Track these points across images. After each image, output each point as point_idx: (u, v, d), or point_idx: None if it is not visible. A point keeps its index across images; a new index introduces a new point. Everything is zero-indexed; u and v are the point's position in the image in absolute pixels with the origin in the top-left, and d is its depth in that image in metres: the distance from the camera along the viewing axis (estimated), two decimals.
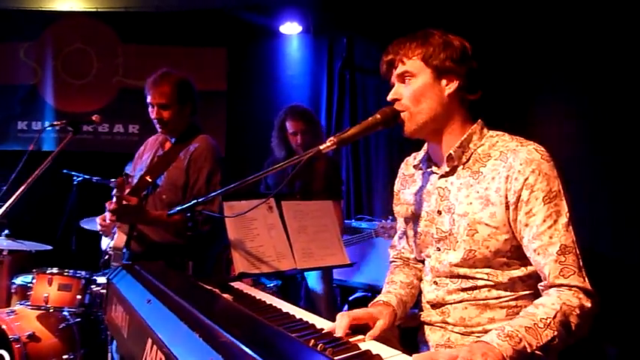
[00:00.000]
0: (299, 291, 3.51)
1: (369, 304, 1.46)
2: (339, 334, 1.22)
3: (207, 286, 1.61)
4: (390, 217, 3.59)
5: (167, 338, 1.07)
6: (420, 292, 1.57)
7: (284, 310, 1.46)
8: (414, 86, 1.39)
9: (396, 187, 1.67)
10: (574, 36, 3.15)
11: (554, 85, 3.33)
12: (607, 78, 2.94)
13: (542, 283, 1.28)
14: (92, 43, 5.03)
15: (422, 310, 1.53)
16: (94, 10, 5.02)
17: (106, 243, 2.63)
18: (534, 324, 1.14)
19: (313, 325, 1.29)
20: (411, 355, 1.06)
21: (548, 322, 1.14)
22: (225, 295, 1.55)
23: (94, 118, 2.55)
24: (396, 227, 1.73)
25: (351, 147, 4.68)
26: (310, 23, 4.87)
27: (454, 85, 1.39)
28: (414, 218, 1.54)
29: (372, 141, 4.59)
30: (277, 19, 4.92)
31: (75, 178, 4.13)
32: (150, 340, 1.17)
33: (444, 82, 1.39)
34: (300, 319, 1.36)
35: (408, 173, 1.63)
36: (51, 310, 3.15)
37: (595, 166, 2.96)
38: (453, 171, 1.43)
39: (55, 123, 2.59)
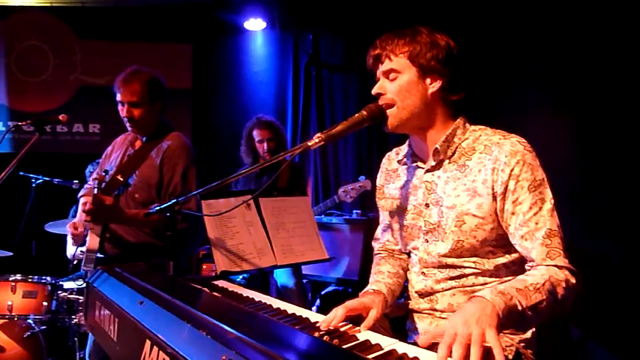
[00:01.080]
0: (267, 283, 3.54)
1: (360, 294, 1.49)
2: (334, 324, 1.23)
3: (196, 286, 1.59)
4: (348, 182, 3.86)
5: (170, 338, 1.06)
6: (407, 282, 1.61)
7: (275, 306, 1.47)
8: (399, 83, 1.42)
9: (378, 182, 1.71)
10: (545, 28, 3.22)
11: (524, 77, 3.40)
12: (577, 70, 3.02)
13: (530, 264, 1.35)
14: (48, 40, 4.84)
15: (409, 300, 1.57)
16: (49, 5, 4.81)
17: (70, 249, 2.55)
18: (525, 287, 1.19)
19: (308, 319, 1.31)
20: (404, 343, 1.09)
21: (537, 286, 1.20)
22: (215, 294, 1.54)
23: (60, 117, 2.46)
24: (379, 220, 1.76)
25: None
26: (275, 19, 4.85)
27: (437, 84, 1.43)
28: (399, 212, 1.57)
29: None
30: (242, 15, 4.88)
31: (33, 180, 3.97)
32: (148, 342, 1.15)
33: (428, 80, 1.43)
34: (294, 314, 1.37)
35: (392, 168, 1.66)
36: (15, 319, 3.03)
37: (567, 158, 3.04)
38: (439, 165, 1.47)
39: (19, 123, 2.48)
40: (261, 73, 5.04)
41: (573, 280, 1.28)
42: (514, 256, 1.42)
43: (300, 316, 1.33)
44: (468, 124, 1.50)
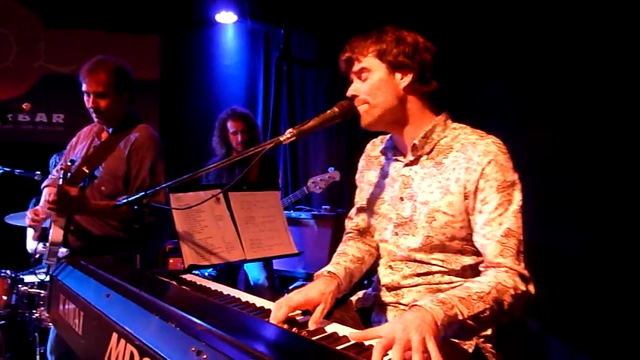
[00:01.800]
0: (236, 277, 3.55)
1: (315, 275, 1.47)
2: (274, 322, 1.21)
3: (164, 279, 1.59)
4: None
5: (138, 331, 1.06)
6: (375, 274, 1.63)
7: (243, 299, 1.48)
8: (371, 81, 1.46)
9: (360, 164, 1.73)
10: (515, 22, 3.23)
11: (495, 72, 3.44)
12: (544, 67, 3.05)
13: (482, 264, 1.38)
14: (10, 26, 4.64)
15: (379, 291, 1.59)
16: None
17: (31, 241, 2.49)
18: (468, 295, 1.21)
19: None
20: None
21: (481, 295, 1.22)
22: (183, 287, 1.53)
23: (23, 106, 2.39)
24: (354, 200, 1.74)
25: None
26: (247, 12, 4.81)
27: (408, 78, 1.45)
28: (374, 201, 1.60)
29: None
30: (213, 8, 4.82)
31: None
32: (115, 335, 1.14)
33: (398, 75, 1.45)
34: (262, 307, 1.39)
35: (374, 155, 1.69)
36: None
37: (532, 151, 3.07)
38: (417, 160, 1.50)
39: None
40: (231, 66, 5.00)
41: (523, 288, 1.30)
42: (481, 258, 1.44)
43: (269, 310, 1.34)
44: (449, 122, 1.52)
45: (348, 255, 1.59)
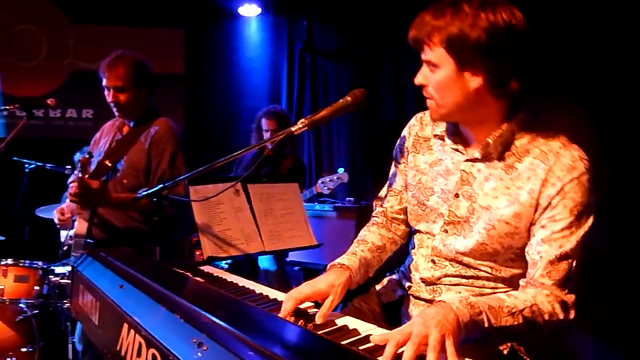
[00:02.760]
0: (256, 269, 3.58)
1: (327, 266, 1.41)
2: (283, 315, 1.18)
3: (178, 271, 1.60)
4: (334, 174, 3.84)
5: (146, 322, 1.06)
6: (404, 264, 1.53)
7: (257, 291, 1.48)
8: (437, 78, 1.24)
9: (403, 143, 1.52)
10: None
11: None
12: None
13: (524, 280, 1.26)
14: (40, 24, 4.78)
15: (410, 282, 1.47)
16: None
17: (64, 234, 2.56)
18: (499, 306, 1.12)
19: None
20: (389, 329, 1.08)
21: (513, 311, 1.13)
22: (197, 279, 1.54)
23: (48, 101, 2.46)
24: (389, 180, 1.60)
25: (313, 130, 4.70)
26: (269, 5, 4.81)
27: (479, 79, 1.20)
28: (421, 189, 1.44)
29: (333, 123, 4.62)
30: (236, 1, 4.83)
31: (26, 165, 3.96)
32: (126, 325, 1.16)
33: (467, 75, 1.21)
34: (275, 299, 1.37)
35: (423, 135, 1.47)
36: (7, 303, 3.04)
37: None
38: (484, 159, 1.31)
39: (7, 107, 2.47)
40: (255, 59, 5.01)
41: (561, 316, 1.19)
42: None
43: (281, 302, 1.34)
44: (527, 122, 1.30)
45: (367, 243, 1.49)
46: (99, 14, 4.82)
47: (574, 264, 1.22)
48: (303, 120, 1.44)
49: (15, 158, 3.89)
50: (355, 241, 1.53)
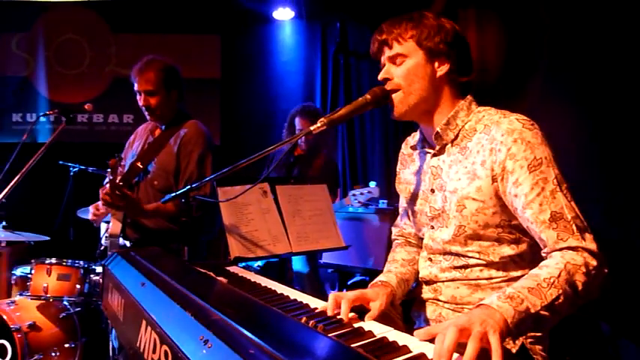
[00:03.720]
0: (285, 271, 3.57)
1: (369, 285, 1.47)
2: (328, 312, 1.20)
3: (202, 270, 1.62)
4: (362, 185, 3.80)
5: (160, 318, 1.08)
6: None
7: (278, 292, 1.47)
8: (407, 66, 1.39)
9: (398, 167, 1.70)
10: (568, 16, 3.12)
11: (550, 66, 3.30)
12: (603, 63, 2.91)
13: (544, 250, 1.27)
14: (84, 33, 4.99)
15: (419, 285, 1.54)
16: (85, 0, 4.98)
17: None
18: (537, 284, 1.10)
19: (307, 305, 1.30)
20: (406, 330, 1.06)
21: (552, 281, 1.11)
22: (219, 278, 1.55)
23: (86, 106, 2.54)
24: (399, 205, 1.74)
25: (347, 133, 4.69)
26: (303, 8, 4.83)
27: (445, 67, 1.40)
28: (412, 197, 1.56)
29: (367, 126, 4.60)
30: (270, 5, 4.88)
31: (71, 168, 4.13)
32: (144, 322, 1.18)
33: (436, 64, 1.40)
34: (295, 300, 1.37)
35: (407, 153, 1.65)
36: (50, 300, 3.17)
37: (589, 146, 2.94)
38: (443, 149, 1.44)
39: (47, 113, 2.58)
40: (289, 62, 5.04)
41: (594, 263, 1.18)
42: (522, 247, 1.36)
43: (301, 302, 1.33)
44: (474, 105, 1.44)
45: (397, 261, 1.57)
46: (138, 23, 4.99)
47: (570, 217, 1.23)
48: (322, 119, 1.44)
49: (61, 162, 4.06)
50: (386, 263, 1.61)
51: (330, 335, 1.01)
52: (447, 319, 1.40)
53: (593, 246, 1.21)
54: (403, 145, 1.69)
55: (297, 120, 3.63)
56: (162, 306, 1.14)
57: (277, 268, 3.10)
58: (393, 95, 1.42)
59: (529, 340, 1.35)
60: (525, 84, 3.37)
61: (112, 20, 5.00)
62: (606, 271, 1.20)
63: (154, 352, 1.08)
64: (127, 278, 1.51)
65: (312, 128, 1.46)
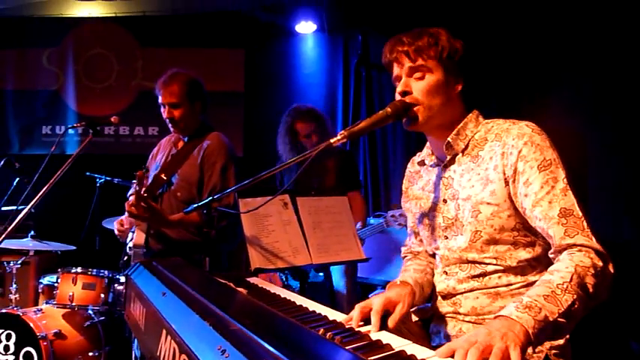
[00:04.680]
0: (323, 293, 3.48)
1: (387, 285, 1.48)
2: (353, 325, 1.22)
3: (222, 281, 1.63)
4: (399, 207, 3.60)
5: (179, 327, 1.09)
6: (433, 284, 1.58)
7: (297, 303, 1.47)
8: (428, 82, 1.42)
9: (404, 186, 1.73)
10: (578, 29, 3.11)
11: (558, 79, 3.29)
12: (609, 71, 2.89)
13: (551, 250, 1.28)
14: (112, 48, 5.13)
15: (435, 300, 1.54)
16: (113, 15, 5.12)
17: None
18: (552, 291, 1.11)
19: (326, 317, 1.29)
20: (425, 345, 1.05)
21: (565, 286, 1.12)
22: (239, 289, 1.57)
23: (112, 119, 2.61)
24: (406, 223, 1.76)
25: (369, 144, 4.68)
26: (325, 21, 4.88)
27: (460, 85, 1.46)
28: (422, 211, 1.58)
29: (389, 137, 4.59)
30: (292, 19, 4.94)
31: (98, 180, 4.22)
32: (164, 331, 1.19)
33: (453, 82, 1.45)
34: (314, 311, 1.36)
35: (414, 170, 1.68)
36: (76, 309, 3.23)
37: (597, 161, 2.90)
38: (453, 160, 1.48)
39: (75, 125, 2.65)
40: (311, 75, 5.08)
41: (600, 263, 1.19)
42: (538, 250, 1.37)
43: (319, 314, 1.32)
44: (481, 118, 1.50)
45: (409, 270, 1.59)
46: (164, 37, 5.11)
47: (581, 214, 1.25)
48: (342, 131, 1.44)
49: (88, 173, 4.16)
50: (400, 274, 1.62)
51: (347, 348, 1.01)
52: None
53: (600, 247, 1.22)
54: (409, 165, 1.73)
55: (299, 126, 3.30)
56: (182, 315, 1.15)
57: (317, 287, 3.04)
58: (415, 109, 1.44)
59: (553, 351, 1.34)
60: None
61: (138, 34, 5.13)
62: (612, 271, 1.22)
63: None
64: (148, 288, 1.53)
65: (332, 141, 1.46)
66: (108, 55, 5.12)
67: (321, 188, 3.32)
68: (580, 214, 1.26)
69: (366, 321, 1.27)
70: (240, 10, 4.93)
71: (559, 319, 1.08)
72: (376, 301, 1.29)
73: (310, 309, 1.39)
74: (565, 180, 1.29)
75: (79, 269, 3.31)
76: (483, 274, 1.40)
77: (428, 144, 1.60)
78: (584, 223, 1.25)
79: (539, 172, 1.29)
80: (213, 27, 5.05)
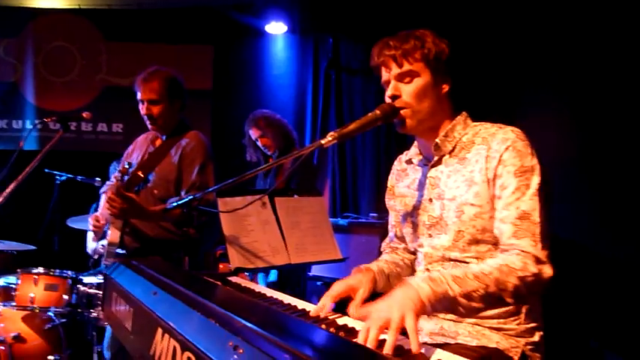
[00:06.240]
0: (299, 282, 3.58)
1: (353, 270, 1.56)
2: (323, 314, 1.34)
3: (209, 280, 1.63)
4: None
5: (181, 327, 1.09)
6: None
7: (285, 302, 1.50)
8: (417, 85, 1.46)
9: (390, 183, 1.76)
10: (562, 32, 3.22)
11: (542, 81, 3.40)
12: (594, 74, 3.01)
13: (498, 249, 1.37)
14: (74, 41, 4.97)
15: None
16: (76, 7, 4.95)
17: (91, 244, 2.61)
18: (464, 274, 1.23)
19: (317, 315, 1.34)
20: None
21: (478, 275, 1.23)
22: (227, 287, 1.57)
23: (84, 114, 2.54)
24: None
25: (338, 146, 4.72)
26: (296, 23, 4.90)
27: (447, 86, 1.50)
28: (407, 209, 1.62)
29: (358, 139, 4.64)
30: (263, 19, 4.93)
31: (57, 177, 4.08)
32: (160, 330, 1.18)
33: (440, 83, 1.49)
34: (303, 309, 1.41)
35: (401, 168, 1.71)
36: (37, 311, 3.11)
37: (581, 164, 3.03)
38: (440, 160, 1.52)
39: (44, 120, 2.56)
40: (281, 76, 5.09)
41: (534, 270, 1.26)
42: None
43: (309, 312, 1.36)
44: (469, 120, 1.55)
45: (380, 260, 1.69)
46: (131, 32, 4.99)
47: (538, 221, 1.32)
48: (332, 133, 1.47)
49: (47, 170, 4.01)
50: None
51: (353, 340, 1.05)
52: (449, 331, 1.44)
53: (542, 254, 1.29)
54: (396, 163, 1.76)
55: (250, 132, 3.62)
56: (181, 314, 1.15)
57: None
58: (403, 111, 1.47)
59: (528, 347, 1.41)
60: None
61: (103, 28, 4.98)
62: (546, 277, 1.28)
63: (173, 358, 1.08)
64: (135, 287, 1.51)
65: (322, 142, 1.48)
66: (70, 48, 4.96)
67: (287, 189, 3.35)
68: (537, 220, 1.31)
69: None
70: (209, 6, 4.87)
71: (459, 298, 1.20)
72: (334, 287, 1.42)
73: (300, 307, 1.44)
74: (537, 187, 1.35)
75: (40, 270, 3.19)
76: None
77: (416, 143, 1.64)
78: (538, 230, 1.30)
79: (515, 177, 1.35)
80: (181, 23, 4.98)
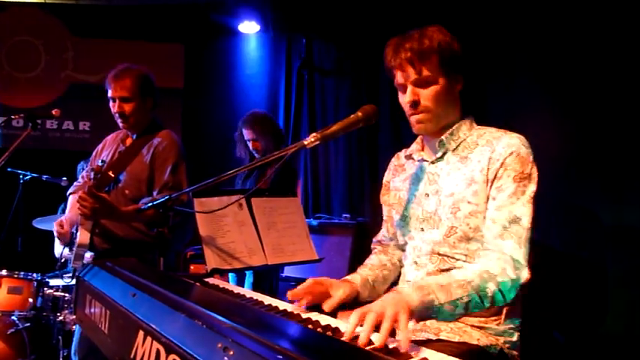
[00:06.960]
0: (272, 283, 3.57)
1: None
2: (300, 293, 1.43)
3: (188, 280, 1.61)
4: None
5: (165, 329, 1.07)
6: (399, 276, 1.66)
7: (266, 302, 1.49)
8: (436, 90, 1.47)
9: (386, 178, 1.78)
10: (547, 28, 3.26)
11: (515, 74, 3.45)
12: (584, 72, 3.05)
13: (481, 248, 1.40)
14: (40, 36, 4.80)
15: None
16: (42, 1, 4.79)
17: (58, 247, 2.54)
18: (449, 283, 1.25)
19: (299, 315, 1.33)
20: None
21: (462, 283, 1.26)
22: (207, 288, 1.55)
23: (53, 112, 2.47)
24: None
25: (311, 148, 4.71)
26: (269, 22, 4.88)
27: (460, 85, 1.53)
28: (401, 202, 1.63)
29: (331, 141, 4.64)
30: (236, 18, 4.89)
31: (21, 176, 3.94)
32: (141, 332, 1.16)
33: (455, 83, 1.51)
34: (285, 310, 1.39)
35: (399, 163, 1.74)
36: None
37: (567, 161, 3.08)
38: (442, 157, 1.54)
39: (12, 117, 2.47)
40: (253, 75, 5.06)
41: (512, 275, 1.31)
42: None
43: (292, 312, 1.35)
44: (474, 123, 1.58)
45: (366, 266, 1.68)
46: (99, 27, 4.86)
47: (527, 226, 1.37)
48: (315, 134, 1.48)
49: (10, 169, 3.86)
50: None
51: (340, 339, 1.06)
52: (432, 328, 1.46)
53: (523, 258, 1.34)
54: (394, 159, 1.78)
55: (244, 131, 3.57)
56: (163, 316, 1.13)
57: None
58: (423, 116, 1.49)
59: (507, 345, 1.46)
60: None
61: (70, 23, 4.84)
62: (523, 280, 1.33)
63: None
64: (111, 289, 1.47)
65: (305, 142, 1.49)
66: (35, 43, 4.79)
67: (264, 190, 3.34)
68: (527, 225, 1.36)
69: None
70: (181, 4, 4.80)
71: (445, 306, 1.23)
72: (307, 280, 1.47)
73: (281, 307, 1.42)
74: (532, 194, 1.39)
75: (3, 272, 3.08)
76: (451, 269, 1.46)
77: (418, 139, 1.65)
78: (525, 235, 1.35)
79: (514, 182, 1.39)
80: (152, 20, 4.88)
